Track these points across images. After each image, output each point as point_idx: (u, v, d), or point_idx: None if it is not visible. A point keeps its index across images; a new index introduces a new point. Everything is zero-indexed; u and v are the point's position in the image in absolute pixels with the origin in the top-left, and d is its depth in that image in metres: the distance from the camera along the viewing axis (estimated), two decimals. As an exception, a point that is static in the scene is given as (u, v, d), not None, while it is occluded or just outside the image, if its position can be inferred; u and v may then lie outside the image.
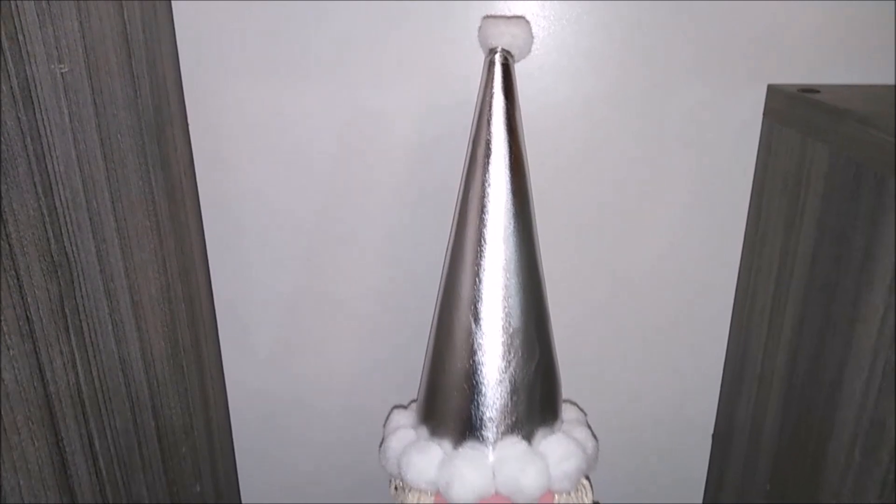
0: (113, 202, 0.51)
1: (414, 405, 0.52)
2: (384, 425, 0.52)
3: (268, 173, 0.62)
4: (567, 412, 0.51)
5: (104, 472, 0.50)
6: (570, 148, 0.59)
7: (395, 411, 0.53)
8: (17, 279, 0.41)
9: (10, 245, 0.40)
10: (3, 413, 0.40)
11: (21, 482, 0.42)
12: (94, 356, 0.49)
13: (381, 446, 0.51)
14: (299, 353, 0.66)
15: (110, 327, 0.51)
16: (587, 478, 0.49)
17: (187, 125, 0.62)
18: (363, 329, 0.64)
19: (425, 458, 0.46)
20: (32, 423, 0.43)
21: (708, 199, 0.60)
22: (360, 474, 0.68)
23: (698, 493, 0.66)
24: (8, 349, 0.40)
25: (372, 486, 0.66)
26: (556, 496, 0.46)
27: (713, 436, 0.65)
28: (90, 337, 0.48)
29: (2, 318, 0.39)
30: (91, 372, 0.48)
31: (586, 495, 0.48)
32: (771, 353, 0.53)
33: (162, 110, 0.58)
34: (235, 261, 0.64)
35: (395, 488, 0.50)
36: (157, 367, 0.57)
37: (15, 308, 0.41)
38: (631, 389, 0.65)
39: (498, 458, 0.45)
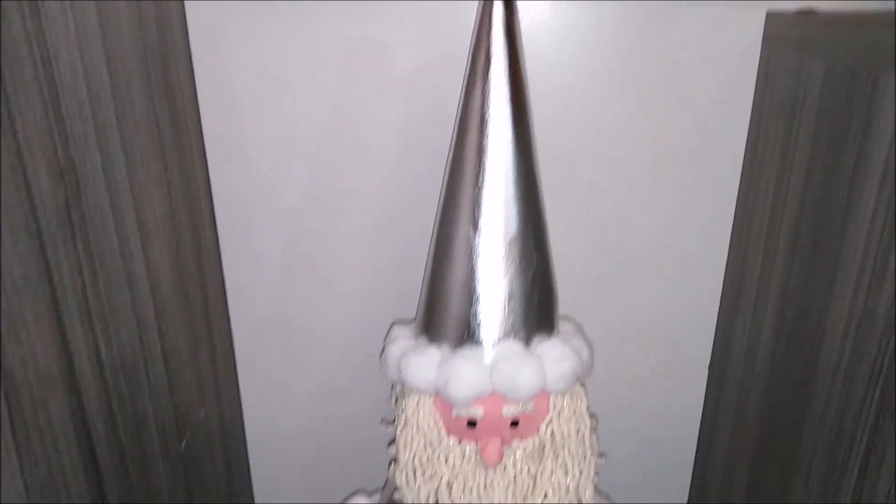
0: (118, 120, 0.52)
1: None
2: (385, 338, 0.53)
3: (270, 102, 0.62)
4: (563, 325, 0.52)
5: (110, 383, 0.51)
6: (567, 76, 0.59)
7: (396, 325, 0.54)
8: (25, 179, 0.42)
9: (17, 145, 0.41)
10: (12, 306, 0.41)
11: (30, 377, 0.43)
12: (101, 267, 0.50)
13: (381, 355, 0.52)
14: (302, 281, 0.67)
15: (116, 242, 0.51)
16: (583, 385, 0.50)
17: (190, 55, 0.63)
18: (367, 248, 0.65)
19: (424, 360, 0.47)
20: (40, 321, 0.44)
21: (707, 128, 0.60)
22: (362, 395, 0.69)
23: (695, 422, 0.67)
24: (15, 245, 0.41)
25: (375, 406, 0.67)
26: (552, 398, 0.47)
27: (710, 367, 0.66)
28: (96, 248, 0.49)
29: (10, 213, 0.40)
30: (98, 282, 0.49)
31: (581, 401, 0.49)
32: (766, 274, 0.53)
33: (165, 38, 0.59)
34: (238, 190, 0.65)
35: (396, 399, 0.51)
36: (162, 289, 0.58)
37: (22, 205, 0.42)
38: (628, 324, 0.66)
39: (495, 359, 0.46)
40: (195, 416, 0.65)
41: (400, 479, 0.49)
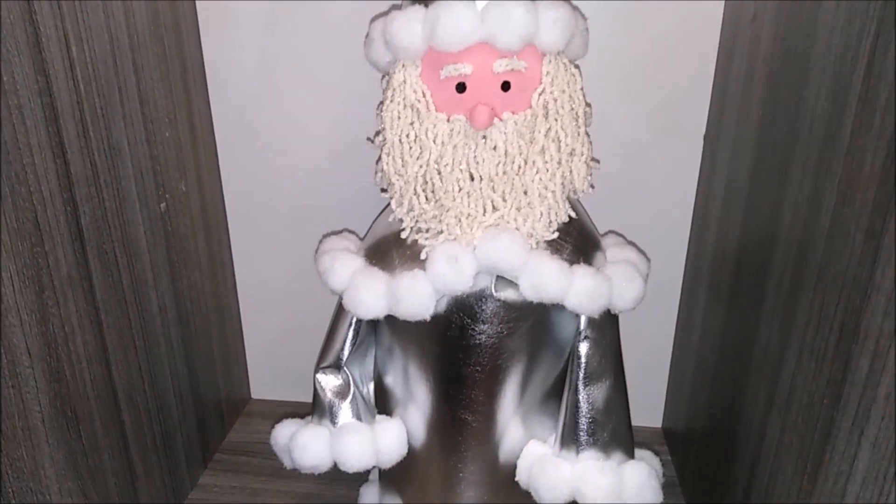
0: None
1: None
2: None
3: None
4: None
5: (83, 87, 0.49)
6: None
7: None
8: None
9: None
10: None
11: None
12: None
13: (365, 38, 0.49)
14: (283, 55, 0.65)
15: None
16: (577, 66, 0.47)
17: None
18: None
19: (410, 13, 0.43)
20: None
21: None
22: (344, 178, 0.68)
23: (691, 193, 0.65)
24: None
25: (358, 188, 0.66)
26: (544, 64, 0.45)
27: (704, 137, 0.64)
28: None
29: None
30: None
31: (575, 79, 0.46)
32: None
33: None
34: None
35: (381, 107, 0.48)
36: (136, 21, 0.55)
37: None
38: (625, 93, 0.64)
39: (486, 4, 0.43)
40: (175, 186, 0.63)
41: (387, 165, 0.47)
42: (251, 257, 0.75)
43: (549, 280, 0.44)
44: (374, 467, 0.64)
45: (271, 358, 0.80)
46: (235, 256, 0.75)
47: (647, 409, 0.76)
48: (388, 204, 0.51)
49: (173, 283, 0.63)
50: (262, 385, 0.82)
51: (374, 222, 0.55)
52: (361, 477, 0.65)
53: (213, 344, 0.72)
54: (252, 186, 0.71)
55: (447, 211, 0.45)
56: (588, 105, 0.48)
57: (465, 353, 0.47)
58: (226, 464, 0.71)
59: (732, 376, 0.55)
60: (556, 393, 0.52)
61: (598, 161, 0.50)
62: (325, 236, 0.55)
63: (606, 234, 0.54)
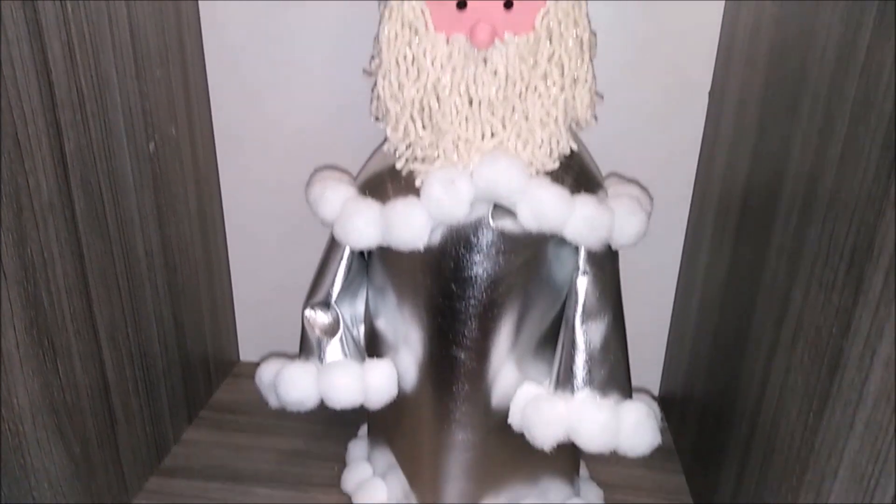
0: None
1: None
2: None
3: None
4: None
5: (70, 10, 0.47)
6: None
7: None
8: None
9: None
10: None
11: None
12: None
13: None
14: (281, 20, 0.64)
15: None
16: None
17: None
18: None
19: None
20: None
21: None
22: (339, 151, 0.66)
23: (694, 150, 0.64)
24: None
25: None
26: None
27: (710, 93, 0.63)
28: None
29: None
30: None
31: (580, 5, 0.44)
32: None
33: None
34: None
35: (375, 67, 0.46)
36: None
37: None
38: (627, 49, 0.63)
39: None
40: (165, 128, 0.61)
41: (383, 89, 0.45)
42: (241, 213, 0.73)
43: (549, 207, 0.42)
44: (363, 424, 0.62)
45: (261, 320, 0.78)
46: (226, 212, 0.73)
47: (644, 377, 0.75)
48: (383, 141, 0.49)
49: (161, 229, 0.61)
50: (252, 348, 0.80)
51: (368, 160, 0.53)
52: (349, 432, 0.64)
53: (201, 299, 0.70)
54: (244, 140, 0.69)
55: (444, 136, 0.44)
56: (594, 33, 0.46)
57: (459, 285, 0.46)
58: (211, 420, 0.69)
59: (734, 328, 0.54)
60: (552, 338, 0.50)
61: (601, 95, 0.48)
62: (316, 170, 0.53)
63: (608, 175, 0.53)
